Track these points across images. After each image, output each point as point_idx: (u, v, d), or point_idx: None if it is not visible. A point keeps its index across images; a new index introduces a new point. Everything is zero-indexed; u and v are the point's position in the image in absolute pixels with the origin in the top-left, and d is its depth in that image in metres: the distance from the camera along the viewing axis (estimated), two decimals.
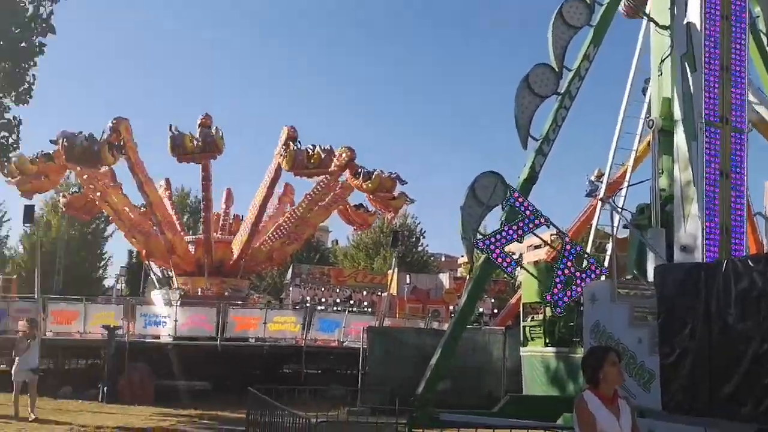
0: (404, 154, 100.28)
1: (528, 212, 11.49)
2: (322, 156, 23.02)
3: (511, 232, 11.53)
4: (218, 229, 27.68)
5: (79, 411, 14.57)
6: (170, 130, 22.36)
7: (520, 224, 11.48)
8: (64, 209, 27.92)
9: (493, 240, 11.51)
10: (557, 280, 11.48)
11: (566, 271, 11.45)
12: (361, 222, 27.47)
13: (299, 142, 24.12)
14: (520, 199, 11.56)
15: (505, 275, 40.88)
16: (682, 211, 10.54)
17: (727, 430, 5.60)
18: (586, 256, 12.06)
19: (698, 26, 11.50)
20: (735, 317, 5.27)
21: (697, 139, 10.65)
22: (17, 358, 13.53)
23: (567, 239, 12.23)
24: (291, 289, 37.06)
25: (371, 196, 24.03)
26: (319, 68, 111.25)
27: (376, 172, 23.24)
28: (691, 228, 10.32)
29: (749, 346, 5.08)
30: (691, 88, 11.15)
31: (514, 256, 12.41)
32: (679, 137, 11.15)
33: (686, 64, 11.44)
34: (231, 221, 28.47)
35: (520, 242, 12.71)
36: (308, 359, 20.22)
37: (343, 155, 23.45)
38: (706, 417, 5.45)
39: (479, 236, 11.82)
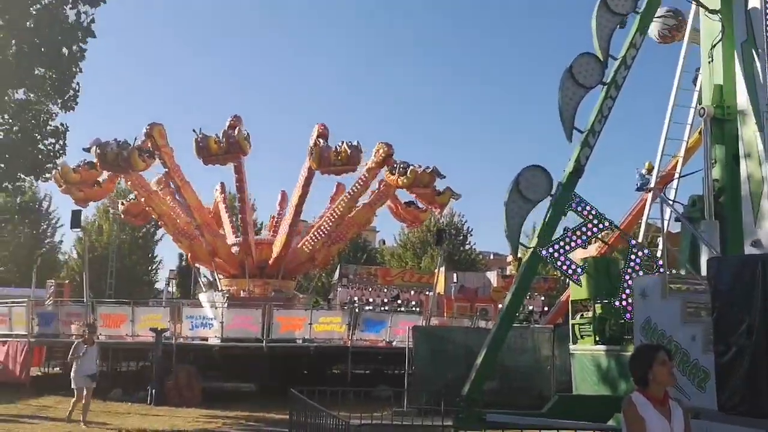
0: (451, 152, 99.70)
1: (591, 216, 11.18)
2: (349, 152, 22.86)
3: (574, 238, 11.27)
4: (272, 230, 27.80)
5: (128, 413, 14.80)
6: (194, 132, 22.55)
7: (584, 229, 11.18)
8: (122, 216, 28.53)
9: (556, 248, 11.25)
10: (625, 285, 11.12)
11: (634, 276, 11.07)
12: (412, 219, 27.19)
13: (322, 139, 23.84)
14: (582, 204, 11.27)
15: (557, 273, 40.46)
16: (752, 206, 10.00)
17: None
18: (650, 256, 11.64)
19: (759, 10, 10.98)
20: None
21: (764, 130, 10.11)
22: (75, 363, 13.59)
23: (633, 243, 11.88)
24: (338, 289, 37.22)
25: (417, 193, 23.74)
26: (370, 61, 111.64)
27: (411, 167, 22.96)
28: (762, 224, 9.79)
29: None
30: (760, 75, 10.58)
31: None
32: (746, 129, 10.61)
33: (753, 51, 10.93)
34: None
35: (585, 248, 12.40)
36: (356, 360, 20.14)
37: (380, 151, 23.24)
38: (767, 419, 5.09)
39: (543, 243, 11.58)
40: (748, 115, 10.59)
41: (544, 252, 11.28)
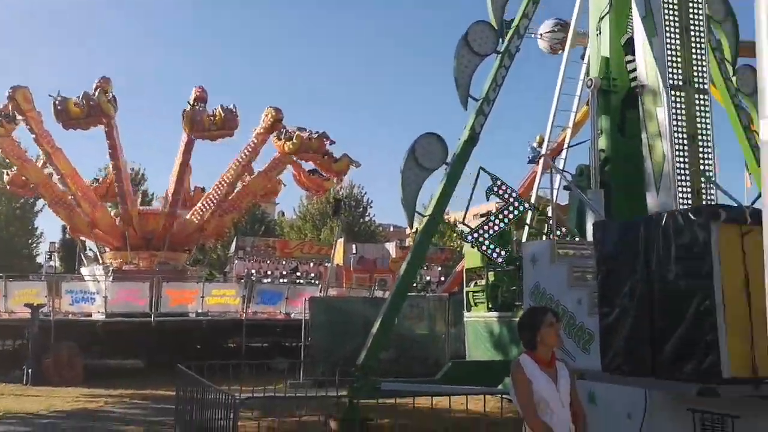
0: (355, 127, 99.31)
1: (512, 199, 11.28)
2: (223, 115, 22.02)
3: (497, 221, 11.35)
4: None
5: (1, 394, 13.81)
6: (51, 96, 21.07)
7: (505, 212, 11.28)
8: (7, 187, 26.48)
9: (481, 232, 11.31)
10: None
11: None
12: (316, 188, 26.60)
13: (200, 103, 22.81)
14: (503, 187, 11.35)
15: (453, 245, 41.27)
16: (654, 179, 10.30)
17: (669, 391, 5.40)
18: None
19: None
20: (676, 273, 5.01)
21: (663, 104, 10.36)
22: None
23: (551, 222, 12.11)
24: (235, 262, 36.44)
25: (309, 159, 23.24)
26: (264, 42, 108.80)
27: (297, 132, 22.45)
28: (663, 194, 10.11)
29: (691, 303, 4.84)
30: (662, 52, 10.79)
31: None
32: (646, 102, 10.83)
33: (650, 27, 11.15)
34: (192, 194, 27.21)
35: (507, 230, 12.58)
36: (252, 332, 19.85)
37: (269, 116, 22.56)
38: (648, 378, 5.21)
39: (467, 229, 11.65)
40: (651, 91, 10.75)
41: (469, 237, 11.38)
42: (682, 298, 4.92)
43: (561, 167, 14.72)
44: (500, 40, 12.11)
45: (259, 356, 17.15)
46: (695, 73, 10.37)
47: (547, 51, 18.47)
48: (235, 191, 23.92)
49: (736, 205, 8.55)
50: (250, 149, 23.22)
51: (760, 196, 9.53)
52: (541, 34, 18.80)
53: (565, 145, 15.73)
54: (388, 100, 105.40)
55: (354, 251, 37.12)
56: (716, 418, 5.24)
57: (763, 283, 4.65)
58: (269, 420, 10.57)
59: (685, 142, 10.07)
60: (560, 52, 17.60)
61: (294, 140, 22.14)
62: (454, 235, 44.69)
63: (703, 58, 10.44)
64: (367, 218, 49.36)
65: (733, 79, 12.64)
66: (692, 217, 4.98)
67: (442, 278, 34.52)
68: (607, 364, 5.57)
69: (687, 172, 9.95)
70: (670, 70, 10.24)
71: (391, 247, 40.50)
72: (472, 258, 14.78)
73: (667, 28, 10.39)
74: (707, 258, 4.80)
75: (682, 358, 4.84)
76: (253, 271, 33.54)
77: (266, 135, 22.85)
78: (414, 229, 17.50)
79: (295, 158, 23.35)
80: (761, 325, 4.47)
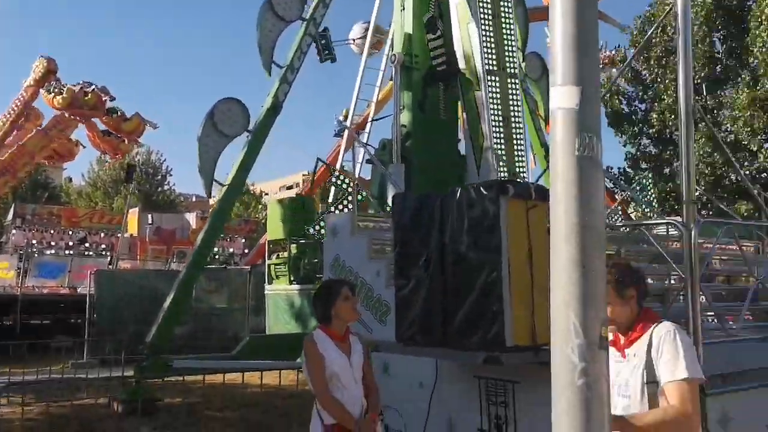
0: (164, 90, 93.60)
1: (349, 189, 11.11)
2: None
3: (336, 212, 11.16)
4: None
5: None
6: None
7: (345, 202, 11.14)
8: None
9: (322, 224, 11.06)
10: None
11: None
12: (112, 150, 24.39)
13: None
14: (341, 177, 11.15)
15: (258, 216, 40.61)
16: (475, 157, 10.60)
17: (458, 361, 5.57)
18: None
19: None
20: (467, 246, 5.13)
21: (481, 87, 10.65)
22: None
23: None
24: (13, 231, 32.89)
25: (104, 119, 21.28)
26: None
27: (68, 86, 20.46)
28: (484, 172, 10.41)
29: (480, 275, 4.97)
30: (480, 35, 11.06)
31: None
32: (465, 85, 11.07)
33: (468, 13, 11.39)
34: None
35: None
36: (31, 309, 18.10)
37: (40, 66, 20.36)
38: (439, 348, 5.31)
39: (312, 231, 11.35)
40: (471, 75, 11.02)
41: (312, 230, 11.09)
42: (473, 270, 5.03)
43: (365, 141, 14.92)
44: (305, 7, 11.90)
45: (39, 335, 15.68)
46: (507, 59, 10.87)
47: (359, 51, 18.92)
48: (9, 152, 21.33)
49: (522, 181, 9.10)
50: (18, 103, 20.72)
51: (543, 173, 10.26)
52: (353, 40, 19.11)
53: (369, 119, 15.95)
54: (194, 64, 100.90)
55: (150, 221, 35.12)
56: (499, 384, 5.50)
57: (544, 255, 4.95)
58: (42, 405, 9.57)
59: (501, 124, 10.55)
60: (373, 54, 17.92)
61: (65, 94, 20.03)
62: (260, 206, 44.08)
63: (513, 44, 10.98)
64: (166, 187, 46.95)
65: (523, 65, 13.51)
66: (483, 191, 5.10)
67: (246, 250, 33.88)
68: (401, 335, 5.61)
69: (503, 152, 10.47)
70: (486, 55, 10.63)
71: (191, 218, 38.87)
72: (274, 229, 14.51)
73: (482, 15, 10.77)
74: (496, 231, 4.94)
75: (470, 329, 4.97)
76: (35, 241, 30.58)
77: (37, 88, 20.46)
78: (210, 194, 16.94)
79: (67, 114, 21.20)
80: (541, 296, 4.70)
